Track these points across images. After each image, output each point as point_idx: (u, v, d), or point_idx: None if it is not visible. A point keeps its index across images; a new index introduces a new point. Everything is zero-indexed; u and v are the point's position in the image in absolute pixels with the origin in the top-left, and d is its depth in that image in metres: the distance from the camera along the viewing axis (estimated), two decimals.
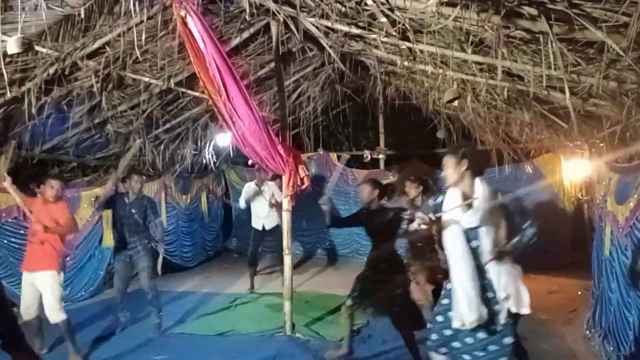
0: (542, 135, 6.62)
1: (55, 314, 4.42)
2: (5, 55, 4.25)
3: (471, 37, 4.01)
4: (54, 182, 4.65)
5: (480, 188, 2.69)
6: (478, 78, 4.82)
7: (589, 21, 2.90)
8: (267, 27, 5.81)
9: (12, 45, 3.89)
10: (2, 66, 4.31)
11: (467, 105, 5.74)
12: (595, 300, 4.89)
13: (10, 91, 5.19)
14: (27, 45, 4.01)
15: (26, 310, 4.50)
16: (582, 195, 7.09)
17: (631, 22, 2.63)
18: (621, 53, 2.91)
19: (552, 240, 8.34)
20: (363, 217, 4.56)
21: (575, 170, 6.27)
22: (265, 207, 7.54)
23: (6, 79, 4.73)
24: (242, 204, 7.76)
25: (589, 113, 4.38)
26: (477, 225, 2.69)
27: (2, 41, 4.28)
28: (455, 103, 5.54)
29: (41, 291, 4.46)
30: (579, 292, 6.32)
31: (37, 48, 4.79)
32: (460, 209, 2.70)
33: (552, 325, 5.24)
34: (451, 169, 2.76)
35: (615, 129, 4.03)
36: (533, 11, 3.14)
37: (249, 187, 7.72)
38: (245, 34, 5.93)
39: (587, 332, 4.77)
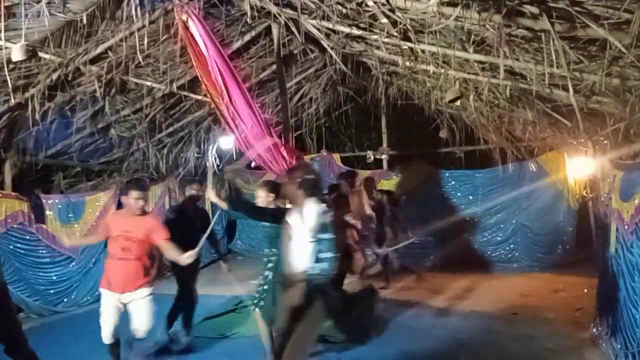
0: (546, 133, 6.60)
1: (146, 331, 4.01)
2: (9, 62, 4.28)
3: (473, 37, 4.01)
4: (136, 192, 4.03)
5: (311, 208, 3.20)
6: (480, 77, 4.82)
7: (591, 19, 2.90)
8: (268, 29, 5.82)
9: (17, 53, 3.91)
10: (7, 73, 4.35)
11: (470, 104, 5.74)
12: (602, 298, 4.86)
13: (14, 97, 5.23)
14: (32, 52, 4.04)
15: (113, 333, 3.98)
16: (586, 193, 7.05)
17: (633, 19, 2.63)
18: (624, 50, 2.91)
19: (557, 239, 8.33)
20: (270, 212, 4.36)
21: (579, 168, 6.24)
22: None
23: (10, 86, 4.76)
24: None
25: (592, 110, 4.37)
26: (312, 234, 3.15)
27: (6, 48, 4.32)
28: (458, 102, 5.54)
29: (135, 311, 3.95)
30: (585, 290, 6.28)
31: (40, 54, 4.82)
32: (299, 222, 3.25)
33: (559, 324, 5.22)
34: (291, 193, 3.36)
35: (618, 126, 4.02)
36: (534, 10, 3.13)
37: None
38: (247, 37, 5.95)
39: (594, 331, 4.74)
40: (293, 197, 3.30)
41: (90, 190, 7.28)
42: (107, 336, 3.95)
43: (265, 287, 4.27)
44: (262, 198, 4.44)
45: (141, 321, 3.95)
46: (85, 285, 6.90)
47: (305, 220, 3.18)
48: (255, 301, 4.35)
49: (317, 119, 9.40)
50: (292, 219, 3.30)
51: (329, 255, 3.04)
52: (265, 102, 7.76)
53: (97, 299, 6.90)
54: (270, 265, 4.30)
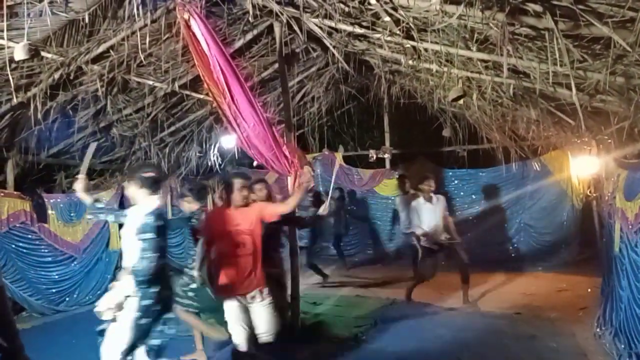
0: (549, 132, 6.57)
1: (273, 333, 3.61)
2: (11, 61, 4.28)
3: (476, 35, 3.99)
4: (240, 181, 3.66)
5: (141, 207, 3.20)
6: (483, 76, 4.79)
7: (595, 17, 2.88)
8: (270, 28, 5.81)
9: (20, 52, 3.92)
10: (9, 72, 4.35)
11: (473, 103, 5.72)
12: (606, 297, 4.84)
13: (17, 97, 5.24)
14: (34, 52, 4.04)
15: (250, 338, 3.55)
16: (590, 192, 7.03)
17: (638, 17, 2.60)
18: (628, 48, 2.89)
19: (560, 238, 8.30)
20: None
21: (583, 167, 6.21)
22: None
23: (12, 85, 4.76)
24: None
25: (596, 109, 4.34)
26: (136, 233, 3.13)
27: (9, 47, 4.32)
28: (461, 101, 5.51)
29: (260, 312, 3.57)
30: (589, 290, 6.26)
31: (43, 54, 4.82)
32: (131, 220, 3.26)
33: (562, 324, 5.20)
34: (132, 192, 3.32)
35: (623, 124, 4.00)
36: (538, 8, 3.11)
37: None
38: (249, 36, 5.94)
39: (598, 330, 4.72)
40: (133, 195, 3.27)
41: (92, 189, 7.28)
42: (244, 343, 3.51)
43: (194, 286, 4.37)
44: (186, 205, 4.58)
45: (268, 321, 3.57)
46: (87, 285, 6.92)
47: (133, 219, 3.20)
48: (187, 303, 4.39)
49: (320, 117, 9.39)
50: (128, 216, 3.32)
51: (148, 255, 3.02)
52: (267, 101, 7.75)
53: (99, 298, 6.99)
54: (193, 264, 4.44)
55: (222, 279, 3.56)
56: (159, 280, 3.15)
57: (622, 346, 4.00)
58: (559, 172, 8.18)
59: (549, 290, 6.75)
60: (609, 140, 4.84)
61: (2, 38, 4.29)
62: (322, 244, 9.03)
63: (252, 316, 3.56)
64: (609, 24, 2.83)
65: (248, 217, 3.58)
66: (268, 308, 3.58)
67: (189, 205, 4.57)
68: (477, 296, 6.35)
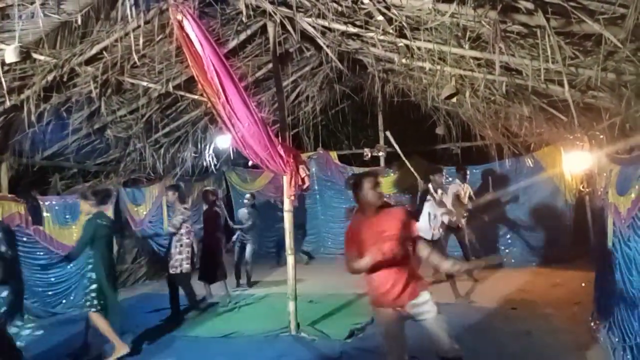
0: (542, 128, 6.62)
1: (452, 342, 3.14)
2: (3, 63, 4.26)
3: (468, 33, 4.02)
4: (372, 179, 3.23)
5: None
6: (476, 73, 4.83)
7: (586, 14, 2.91)
8: (264, 28, 5.81)
9: (11, 54, 3.91)
10: (1, 75, 4.33)
11: (466, 100, 5.75)
12: (600, 292, 4.89)
13: (10, 99, 5.21)
14: (25, 54, 4.02)
15: (403, 354, 3.22)
16: (583, 188, 7.09)
17: (628, 13, 2.63)
18: (619, 45, 2.92)
19: (554, 234, 8.35)
20: None
21: (575, 163, 6.26)
22: None
23: (5, 88, 4.75)
24: None
25: (588, 105, 4.38)
26: None
27: (0, 50, 4.30)
28: (454, 99, 5.54)
29: (430, 321, 3.14)
30: (583, 285, 6.31)
31: (35, 56, 4.80)
32: None
33: (557, 319, 5.24)
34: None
35: (614, 120, 4.04)
36: (530, 5, 3.14)
37: None
38: (243, 36, 5.94)
39: (592, 324, 4.76)
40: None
41: (87, 191, 7.26)
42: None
43: (94, 286, 4.60)
44: (85, 208, 4.82)
45: (443, 330, 3.12)
46: (84, 287, 6.87)
47: None
48: (88, 303, 4.61)
49: (314, 117, 9.40)
50: None
51: None
52: (261, 101, 7.75)
53: None
54: (90, 266, 4.65)
55: (376, 288, 3.17)
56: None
57: (616, 340, 4.04)
58: (552, 168, 8.23)
59: (544, 285, 6.80)
60: (601, 136, 4.88)
61: None
62: None
63: (428, 331, 3.15)
64: (600, 20, 2.86)
65: (390, 219, 3.16)
66: (437, 315, 3.14)
67: (89, 208, 4.80)
68: (471, 291, 6.39)
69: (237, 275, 7.69)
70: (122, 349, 4.62)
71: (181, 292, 6.00)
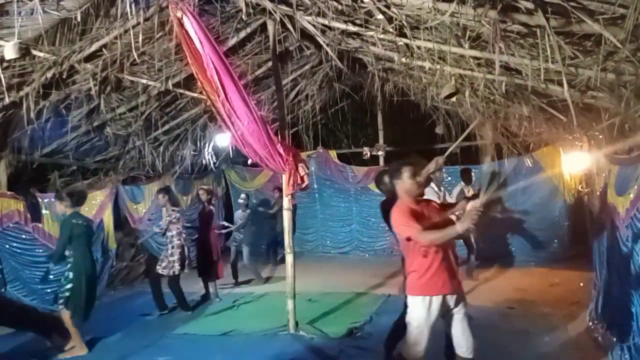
0: (541, 128, 6.62)
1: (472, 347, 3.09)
2: (2, 60, 4.26)
3: (468, 32, 4.02)
4: (409, 169, 3.19)
5: None
6: (476, 73, 4.82)
7: (586, 14, 2.90)
8: (263, 26, 5.80)
9: (10, 51, 3.90)
10: (0, 71, 4.32)
11: (466, 100, 5.75)
12: (598, 291, 4.89)
13: (9, 96, 5.20)
14: (25, 50, 4.02)
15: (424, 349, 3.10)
16: (582, 188, 7.10)
17: (628, 14, 2.63)
18: (619, 45, 2.91)
19: (553, 233, 8.37)
20: None
21: (574, 163, 6.26)
22: None
23: (4, 84, 4.73)
24: None
25: (587, 105, 4.38)
26: None
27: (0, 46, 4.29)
28: (454, 98, 5.55)
29: (459, 319, 3.12)
30: (581, 284, 6.33)
31: (34, 52, 4.79)
32: None
33: (555, 318, 5.25)
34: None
35: (614, 120, 4.03)
36: (529, 5, 3.14)
37: None
38: (242, 34, 5.94)
39: (590, 324, 4.77)
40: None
41: (87, 188, 7.25)
42: (420, 353, 3.10)
43: (69, 286, 4.70)
44: (61, 209, 4.96)
45: (468, 328, 3.11)
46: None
47: None
48: (62, 301, 4.71)
49: (314, 115, 9.40)
50: None
51: None
52: (261, 99, 7.75)
53: (97, 296, 6.99)
54: (70, 265, 4.75)
55: (431, 277, 3.05)
56: None
57: (614, 339, 4.05)
58: (551, 168, 8.23)
59: (542, 285, 6.82)
60: (600, 136, 4.88)
61: None
62: None
63: (450, 327, 3.15)
64: (600, 20, 2.86)
65: (433, 209, 3.21)
66: (466, 320, 3.13)
67: (63, 209, 4.92)
68: (470, 291, 6.40)
69: (234, 275, 7.72)
70: (80, 350, 4.73)
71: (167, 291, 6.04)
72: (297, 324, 5.14)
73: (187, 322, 5.77)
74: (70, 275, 4.72)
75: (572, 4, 2.87)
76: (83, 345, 4.76)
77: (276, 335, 5.08)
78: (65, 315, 4.69)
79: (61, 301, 4.72)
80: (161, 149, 8.04)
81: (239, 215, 7.85)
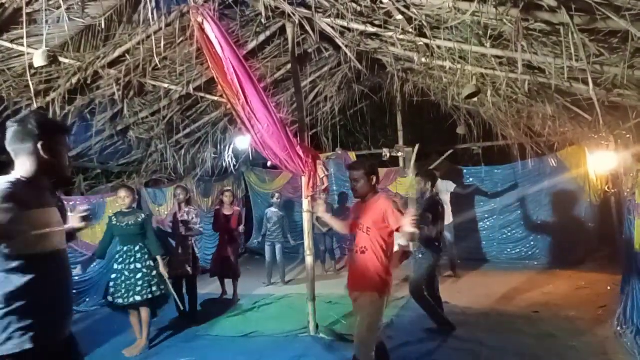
0: (566, 127, 6.49)
1: None
2: (30, 67, 4.38)
3: (490, 31, 3.96)
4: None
5: None
6: (498, 72, 4.76)
7: (612, 10, 2.84)
8: (282, 29, 5.83)
9: (39, 59, 4.00)
10: (29, 78, 4.44)
11: (487, 99, 5.67)
12: (626, 295, 4.76)
13: (36, 102, 5.34)
14: (52, 58, 4.12)
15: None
16: (608, 189, 6.92)
17: None
18: None
19: (579, 235, 8.18)
20: None
21: (600, 163, 6.12)
22: None
23: (32, 90, 4.86)
24: None
25: (613, 104, 4.28)
26: None
27: (28, 54, 4.41)
28: (475, 98, 5.47)
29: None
30: (609, 288, 6.17)
31: (61, 59, 4.91)
32: None
33: (581, 322, 5.13)
34: None
35: None
36: (553, 3, 3.08)
37: None
38: (262, 37, 5.97)
39: (618, 329, 4.65)
40: None
41: (110, 191, 7.40)
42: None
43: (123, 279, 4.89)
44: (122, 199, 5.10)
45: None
46: (105, 285, 7.01)
47: None
48: (141, 299, 4.83)
49: (333, 117, 9.39)
50: None
51: None
52: (280, 102, 7.78)
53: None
54: (120, 259, 4.99)
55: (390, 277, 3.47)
56: None
57: None
58: (576, 168, 8.06)
59: (568, 288, 6.67)
60: (628, 136, 4.76)
61: (22, 45, 4.39)
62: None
63: None
64: (627, 17, 2.79)
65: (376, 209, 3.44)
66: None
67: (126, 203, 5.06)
68: (494, 295, 6.31)
69: (269, 274, 7.88)
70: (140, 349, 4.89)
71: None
72: (317, 326, 5.14)
73: (209, 324, 5.82)
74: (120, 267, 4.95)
75: (597, 0, 2.81)
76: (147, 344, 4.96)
77: (297, 337, 5.09)
78: (144, 312, 4.89)
79: (139, 299, 4.82)
80: (182, 152, 8.14)
81: (271, 213, 7.94)
